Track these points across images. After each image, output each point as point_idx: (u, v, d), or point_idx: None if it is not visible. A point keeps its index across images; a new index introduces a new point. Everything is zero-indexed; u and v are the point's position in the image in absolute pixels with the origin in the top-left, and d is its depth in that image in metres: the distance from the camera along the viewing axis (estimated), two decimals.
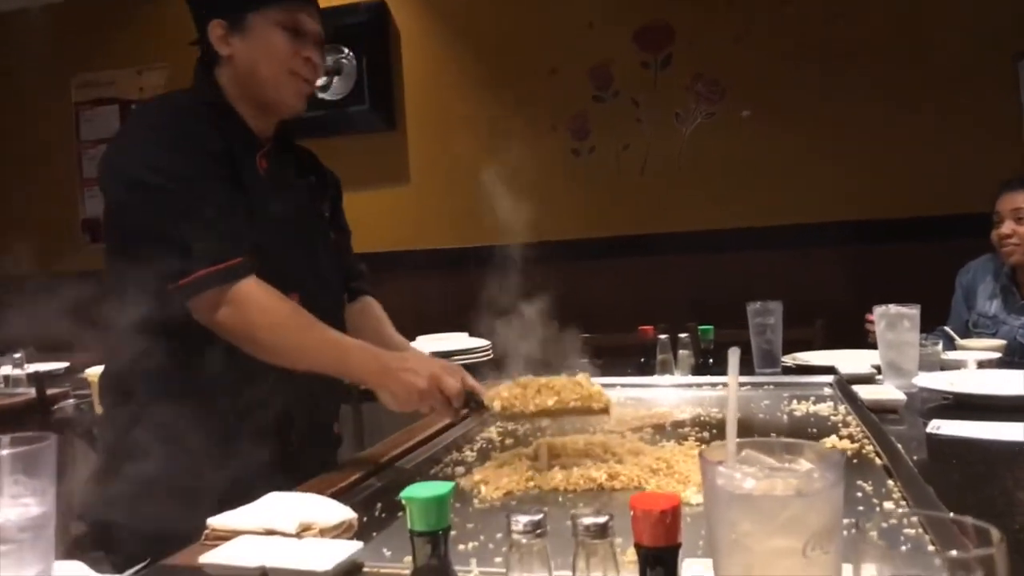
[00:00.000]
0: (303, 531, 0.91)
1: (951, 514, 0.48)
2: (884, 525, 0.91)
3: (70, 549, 1.09)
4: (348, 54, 3.76)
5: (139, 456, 1.23)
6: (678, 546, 0.59)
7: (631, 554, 0.80)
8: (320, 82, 3.87)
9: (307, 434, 1.36)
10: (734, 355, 0.56)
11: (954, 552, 0.43)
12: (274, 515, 0.94)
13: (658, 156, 3.43)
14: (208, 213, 1.21)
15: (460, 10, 3.68)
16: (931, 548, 0.75)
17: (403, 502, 0.66)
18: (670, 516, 0.58)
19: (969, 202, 2.96)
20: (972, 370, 1.77)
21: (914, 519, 0.94)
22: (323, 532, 0.92)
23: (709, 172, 3.36)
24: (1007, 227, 2.31)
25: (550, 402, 1.24)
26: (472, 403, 1.27)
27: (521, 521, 0.63)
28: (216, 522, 0.94)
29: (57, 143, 4.22)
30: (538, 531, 0.63)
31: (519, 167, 3.61)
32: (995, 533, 0.45)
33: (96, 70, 4.18)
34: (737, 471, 0.52)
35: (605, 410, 1.27)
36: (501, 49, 3.62)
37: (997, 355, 1.90)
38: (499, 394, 1.27)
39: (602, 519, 0.62)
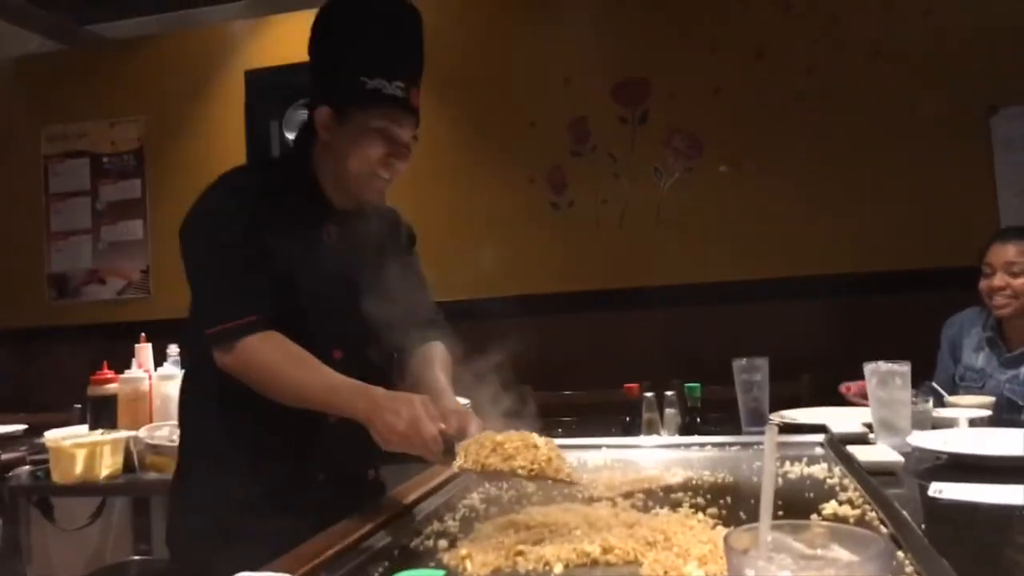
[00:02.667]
0: None
1: None
2: None
3: None
4: None
5: (197, 506, 1.44)
6: None
7: None
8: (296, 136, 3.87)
9: (337, 479, 1.45)
10: (771, 432, 0.51)
11: None
12: None
13: (637, 210, 3.43)
14: (239, 276, 1.37)
15: (438, 62, 3.67)
16: None
17: None
18: None
19: (948, 255, 2.98)
20: (964, 428, 1.73)
21: None
22: None
23: (689, 226, 3.36)
24: (1000, 279, 2.28)
25: (504, 467, 1.19)
26: (447, 450, 1.25)
27: None
28: None
29: (25, 196, 4.13)
30: None
31: (497, 219, 3.63)
32: None
33: (67, 122, 4.12)
34: (770, 562, 0.46)
35: (566, 480, 1.23)
36: (480, 101, 3.62)
37: (987, 412, 1.86)
38: (464, 448, 1.23)
39: None
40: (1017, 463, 1.41)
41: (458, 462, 1.22)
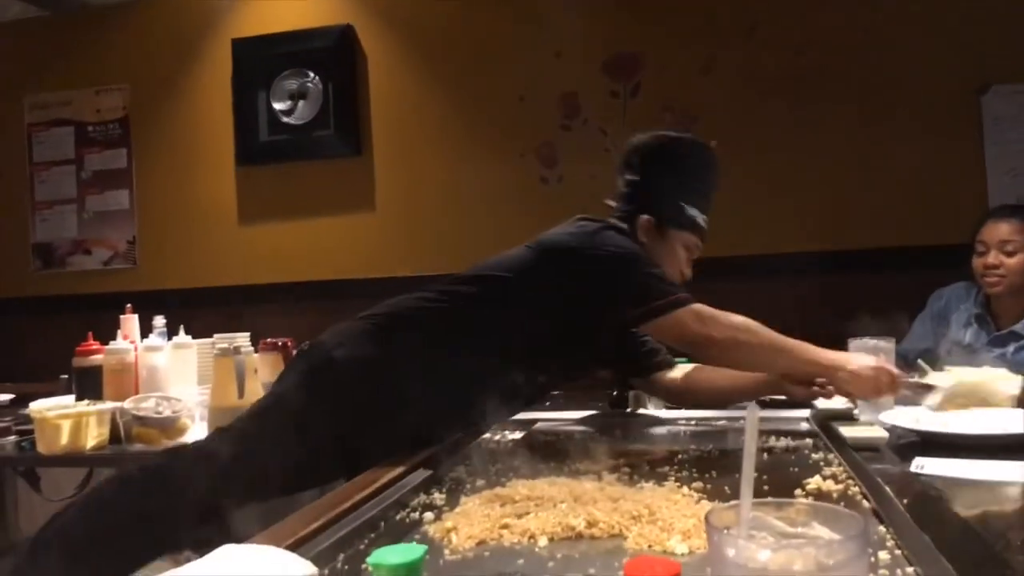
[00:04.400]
0: None
1: None
2: None
3: None
4: (313, 78, 3.70)
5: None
6: None
7: None
8: (284, 106, 3.83)
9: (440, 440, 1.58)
10: (753, 411, 0.51)
11: None
12: (226, 573, 0.86)
13: None
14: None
15: (428, 35, 3.65)
16: None
17: (369, 568, 0.59)
18: None
19: (935, 233, 2.99)
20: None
21: (910, 570, 0.90)
22: None
23: None
24: (993, 257, 2.28)
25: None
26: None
27: None
28: None
29: (8, 165, 4.08)
30: None
31: (487, 194, 3.60)
32: None
33: (50, 90, 4.06)
34: (750, 540, 0.46)
35: None
36: (469, 75, 3.59)
37: None
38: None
39: None
40: (989, 441, 1.40)
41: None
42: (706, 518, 0.49)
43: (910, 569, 0.86)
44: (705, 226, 1.81)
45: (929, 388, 1.51)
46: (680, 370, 1.90)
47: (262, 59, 3.75)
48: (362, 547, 1.04)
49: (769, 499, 0.53)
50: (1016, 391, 1.51)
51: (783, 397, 1.91)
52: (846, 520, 0.49)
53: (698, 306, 1.59)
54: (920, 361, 2.24)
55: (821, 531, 0.50)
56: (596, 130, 3.45)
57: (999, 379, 1.55)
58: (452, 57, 3.61)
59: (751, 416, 0.51)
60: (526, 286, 1.64)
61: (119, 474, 1.57)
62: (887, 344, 1.66)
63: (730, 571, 0.46)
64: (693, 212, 1.77)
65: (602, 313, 1.66)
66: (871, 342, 1.68)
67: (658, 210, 1.76)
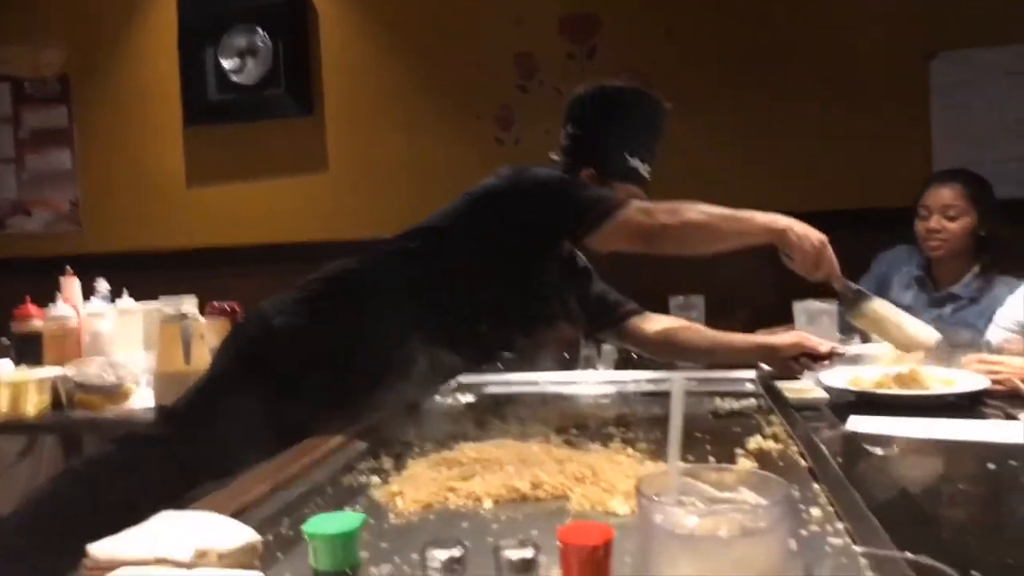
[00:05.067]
0: (199, 558, 0.83)
1: (905, 553, 0.44)
2: (805, 533, 0.89)
3: None
4: (263, 35, 3.59)
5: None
6: None
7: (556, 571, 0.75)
8: (232, 64, 3.71)
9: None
10: (677, 386, 0.51)
11: None
12: (165, 540, 0.85)
13: None
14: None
15: (386, 3, 3.57)
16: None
17: (305, 537, 0.58)
18: (602, 551, 0.53)
19: (880, 196, 3.05)
20: (875, 367, 1.76)
21: (840, 526, 0.93)
22: (221, 558, 0.83)
23: None
24: (936, 222, 2.32)
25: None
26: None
27: (439, 558, 0.56)
28: (97, 550, 0.85)
29: None
30: (455, 568, 0.57)
31: (442, 156, 3.56)
32: None
33: None
34: (678, 507, 0.47)
35: None
36: (424, 35, 3.52)
37: None
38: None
39: (528, 553, 0.56)
40: (920, 401, 1.43)
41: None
42: (636, 487, 0.50)
43: (840, 525, 0.89)
44: (648, 176, 1.78)
45: (863, 294, 1.57)
46: (657, 323, 1.89)
47: (209, 15, 3.62)
48: (307, 512, 1.03)
49: (700, 464, 0.54)
50: (931, 343, 1.56)
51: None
52: (773, 485, 0.51)
53: (639, 201, 1.58)
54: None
55: (748, 496, 0.51)
56: (552, 91, 3.42)
57: (923, 327, 1.60)
58: (407, 15, 3.53)
59: (677, 390, 0.52)
60: (464, 235, 1.61)
61: (65, 469, 1.54)
62: (829, 306, 1.70)
63: (658, 536, 0.47)
64: (636, 163, 1.74)
65: (545, 246, 1.65)
66: (815, 304, 1.71)
67: (601, 162, 1.73)
